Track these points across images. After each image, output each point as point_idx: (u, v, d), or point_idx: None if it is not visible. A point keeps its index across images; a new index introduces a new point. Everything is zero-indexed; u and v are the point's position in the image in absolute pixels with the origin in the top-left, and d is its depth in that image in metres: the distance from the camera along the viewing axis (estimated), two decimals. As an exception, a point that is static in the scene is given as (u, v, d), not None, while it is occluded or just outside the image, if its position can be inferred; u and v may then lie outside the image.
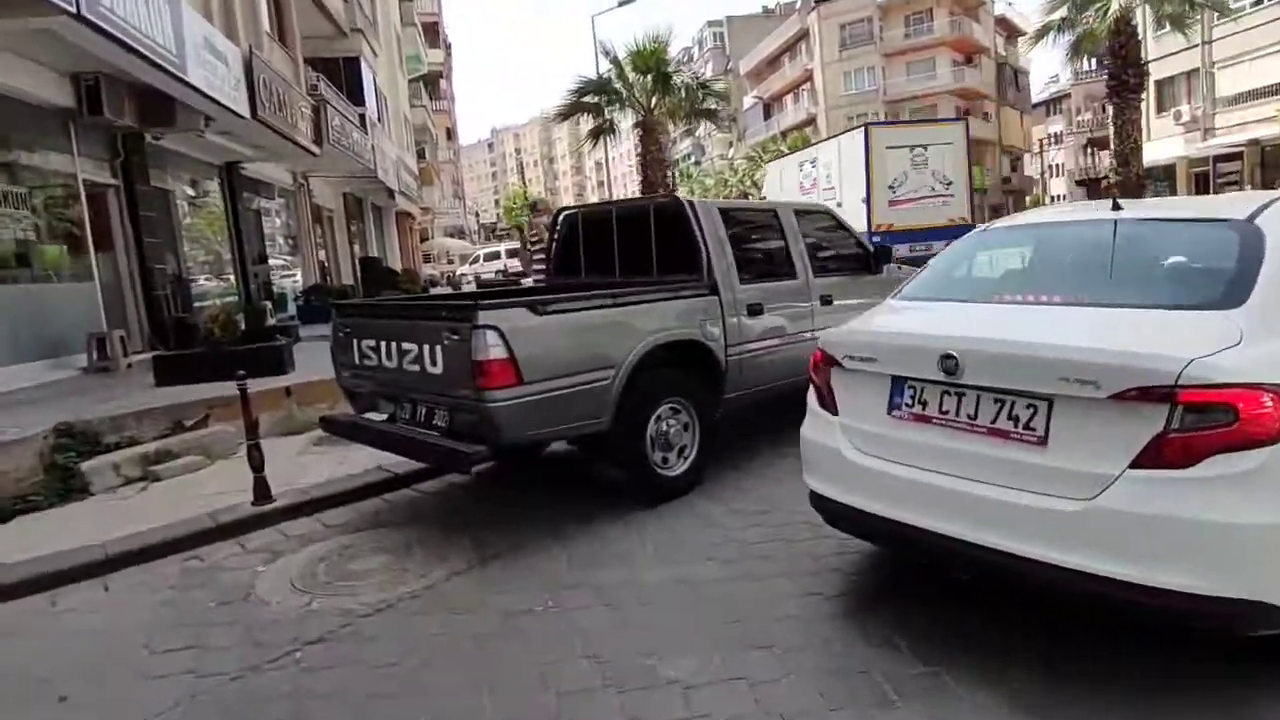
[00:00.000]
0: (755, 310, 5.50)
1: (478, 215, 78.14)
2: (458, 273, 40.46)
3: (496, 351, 4.04)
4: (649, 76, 21.66)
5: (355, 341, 5.10)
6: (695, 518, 4.67)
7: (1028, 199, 62.69)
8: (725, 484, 5.23)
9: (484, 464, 4.92)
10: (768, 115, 63.25)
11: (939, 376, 2.75)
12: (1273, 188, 25.65)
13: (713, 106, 23.50)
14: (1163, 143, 26.11)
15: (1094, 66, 49.42)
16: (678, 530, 4.49)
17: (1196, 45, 28.62)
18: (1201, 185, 30.18)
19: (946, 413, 2.79)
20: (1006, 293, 3.34)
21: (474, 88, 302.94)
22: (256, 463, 5.36)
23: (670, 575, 3.86)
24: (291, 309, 17.51)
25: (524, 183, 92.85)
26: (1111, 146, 23.07)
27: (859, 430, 3.10)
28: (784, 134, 56.39)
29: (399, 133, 26.94)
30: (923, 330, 3.08)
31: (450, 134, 51.52)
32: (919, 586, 3.51)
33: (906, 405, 2.92)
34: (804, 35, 56.09)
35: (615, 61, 21.90)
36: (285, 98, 13.59)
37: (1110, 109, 23.32)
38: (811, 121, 55.51)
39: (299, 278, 19.15)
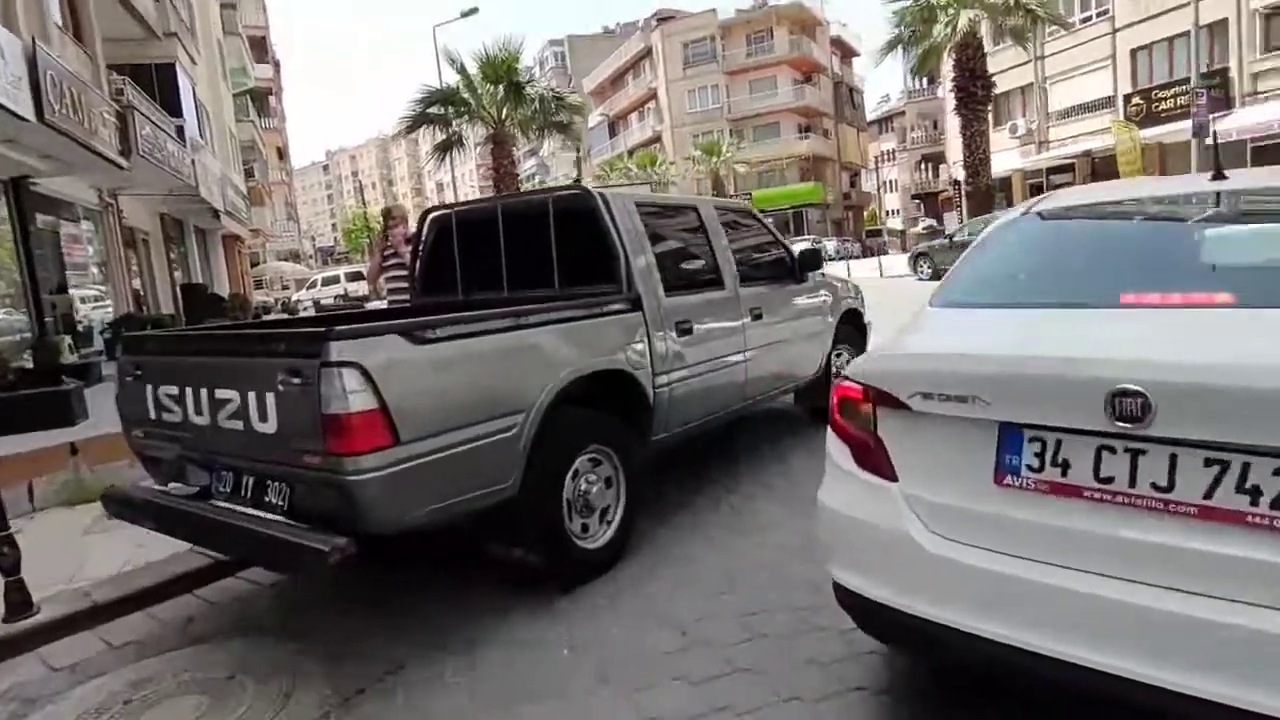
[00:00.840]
0: (685, 329, 4.46)
1: (314, 239, 73.50)
2: (294, 298, 37.53)
3: (359, 400, 2.75)
4: (500, 86, 20.47)
5: (150, 388, 3.64)
6: (633, 601, 3.54)
7: (865, 213, 65.97)
8: (655, 548, 4.13)
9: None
10: (613, 134, 63.26)
11: (1100, 424, 1.76)
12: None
13: (565, 120, 22.50)
14: (999, 156, 27.48)
15: (925, 85, 52.59)
16: (616, 628, 3.31)
17: (1029, 61, 30.57)
18: (1037, 196, 32.22)
19: (1110, 480, 1.78)
20: (1134, 291, 2.22)
21: (307, 110, 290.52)
22: (8, 564, 3.79)
23: (629, 716, 2.66)
24: (99, 343, 15.14)
25: (364, 204, 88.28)
26: (962, 157, 24.00)
27: (940, 505, 2.05)
28: (630, 152, 56.49)
29: (224, 148, 24.29)
30: (1063, 351, 1.97)
31: (282, 154, 47.72)
32: (993, 709, 2.46)
33: (1031, 469, 1.88)
34: (647, 53, 56.51)
35: (462, 70, 20.56)
36: (82, 100, 11.50)
37: (959, 120, 24.27)
38: (657, 139, 55.87)
39: (111, 308, 16.59)
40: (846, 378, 2.30)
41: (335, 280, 36.18)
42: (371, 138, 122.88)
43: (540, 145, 25.11)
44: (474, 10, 26.15)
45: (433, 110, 21.16)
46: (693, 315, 4.57)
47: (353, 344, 2.83)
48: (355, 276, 37.29)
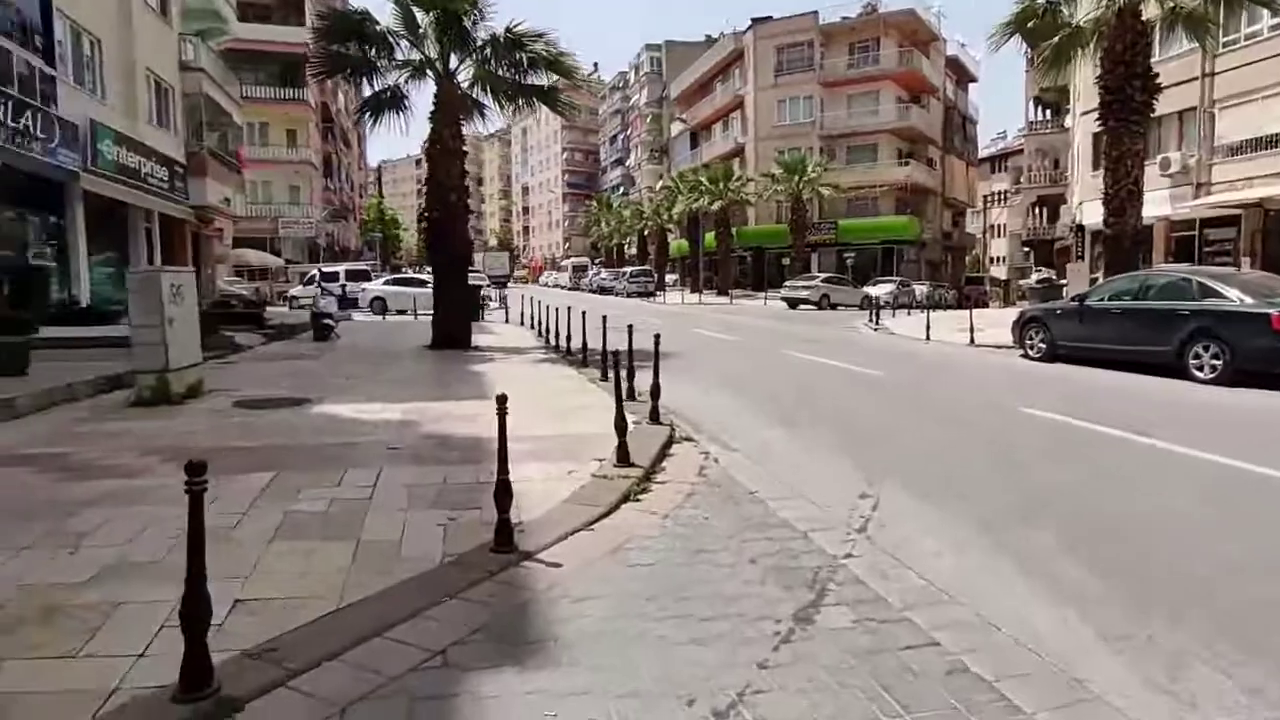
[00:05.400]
0: None
1: (331, 232, 67.66)
2: (290, 293, 32.37)
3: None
4: (431, 15, 13.71)
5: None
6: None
7: (967, 258, 56.83)
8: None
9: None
10: (695, 144, 56.28)
11: None
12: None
13: (545, 83, 15.03)
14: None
15: (1048, 116, 43.67)
16: None
17: (1195, 79, 22.22)
18: (1183, 253, 23.43)
19: None
20: None
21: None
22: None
23: None
24: None
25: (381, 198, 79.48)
26: (1102, 192, 15.94)
27: None
28: (707, 165, 49.41)
29: (131, 94, 18.52)
30: None
31: (294, 136, 41.65)
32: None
33: None
34: (738, 57, 49.32)
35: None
36: None
37: (1105, 140, 16.18)
38: (740, 152, 48.47)
39: None
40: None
41: (334, 277, 30.49)
42: (469, 134, 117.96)
43: (528, 111, 16.34)
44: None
45: (340, 48, 14.31)
46: None
47: None
48: (357, 275, 31.71)
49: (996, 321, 17.49)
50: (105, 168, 16.74)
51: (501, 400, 3.86)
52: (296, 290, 32.09)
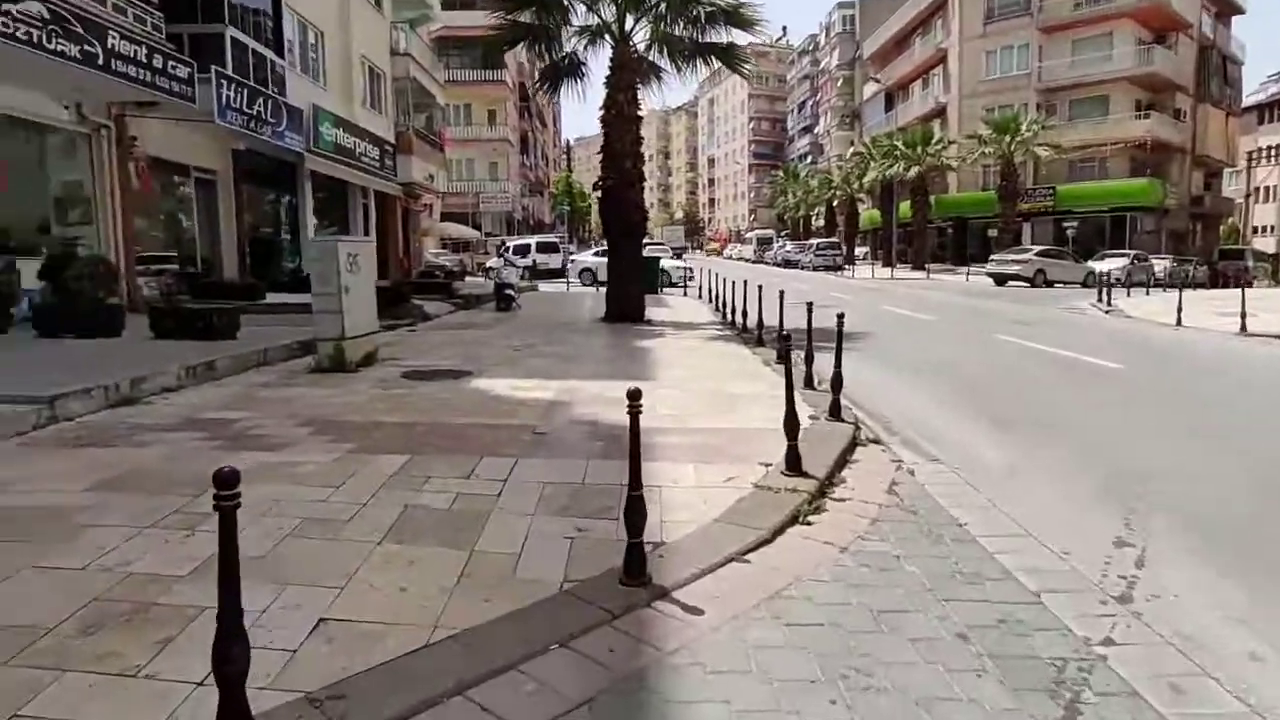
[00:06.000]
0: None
1: (554, 206, 69.77)
2: (488, 264, 33.82)
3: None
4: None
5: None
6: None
7: (1222, 227, 49.05)
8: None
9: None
10: (889, 106, 52.30)
11: None
12: None
13: (722, 41, 13.96)
14: None
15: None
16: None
17: None
18: None
19: None
20: None
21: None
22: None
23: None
24: (26, 306, 10.81)
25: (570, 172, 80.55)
26: None
27: None
28: (903, 128, 45.74)
29: (346, 80, 19.71)
30: None
31: (493, 116, 43.69)
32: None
33: None
34: (941, 6, 44.97)
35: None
36: None
37: None
38: (941, 113, 44.35)
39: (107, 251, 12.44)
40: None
41: (525, 250, 31.57)
42: (654, 109, 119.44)
43: (698, 78, 15.31)
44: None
45: (519, 17, 13.95)
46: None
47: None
48: (547, 247, 32.56)
49: (1272, 305, 14.46)
50: (325, 148, 17.92)
51: (634, 396, 3.07)
52: (492, 262, 33.56)
